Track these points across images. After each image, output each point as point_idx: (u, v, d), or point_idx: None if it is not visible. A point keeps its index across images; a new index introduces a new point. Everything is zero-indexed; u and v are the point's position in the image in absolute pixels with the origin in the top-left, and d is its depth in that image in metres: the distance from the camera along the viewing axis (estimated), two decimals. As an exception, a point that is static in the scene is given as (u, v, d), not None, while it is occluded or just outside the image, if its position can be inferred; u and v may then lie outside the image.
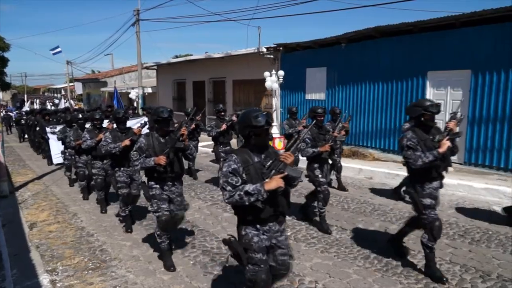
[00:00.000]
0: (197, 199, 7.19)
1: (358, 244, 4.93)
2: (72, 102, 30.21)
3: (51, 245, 5.15)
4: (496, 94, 8.13)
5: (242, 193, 2.64)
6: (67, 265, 4.53)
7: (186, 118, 8.43)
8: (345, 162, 8.33)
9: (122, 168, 5.63)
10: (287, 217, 6.00)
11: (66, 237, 5.47)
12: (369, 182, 8.19)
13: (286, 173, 2.72)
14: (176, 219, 4.43)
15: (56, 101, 39.16)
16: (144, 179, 4.62)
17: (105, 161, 6.46)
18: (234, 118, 7.85)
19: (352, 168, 8.89)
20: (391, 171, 8.55)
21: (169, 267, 4.30)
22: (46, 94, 60.99)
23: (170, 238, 4.45)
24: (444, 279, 3.86)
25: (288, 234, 5.32)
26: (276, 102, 12.99)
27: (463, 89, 8.74)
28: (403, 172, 8.52)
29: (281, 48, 13.14)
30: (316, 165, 5.42)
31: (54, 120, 12.11)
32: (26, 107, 27.28)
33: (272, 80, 12.15)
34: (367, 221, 5.79)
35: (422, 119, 3.90)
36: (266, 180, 2.69)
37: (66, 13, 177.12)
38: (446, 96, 9.06)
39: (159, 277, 4.18)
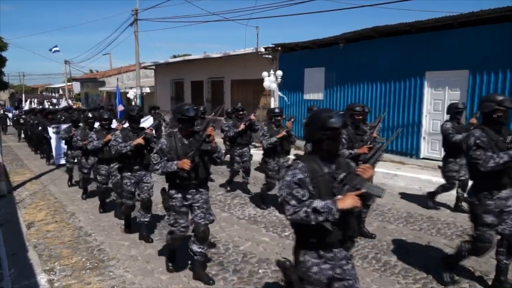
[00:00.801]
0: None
1: (356, 244, 4.93)
2: (70, 101, 30.15)
3: (49, 245, 5.14)
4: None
5: (309, 210, 2.18)
6: (65, 264, 4.52)
7: (206, 117, 8.06)
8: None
9: (130, 174, 5.17)
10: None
11: (64, 236, 5.46)
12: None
13: (363, 190, 2.25)
14: (200, 231, 3.93)
15: (54, 100, 39.08)
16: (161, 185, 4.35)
17: (111, 165, 6.11)
18: (252, 117, 7.54)
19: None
20: (389, 171, 8.58)
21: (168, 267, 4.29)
22: (44, 93, 60.89)
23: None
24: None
25: (287, 234, 5.34)
26: (274, 102, 12.98)
27: (461, 89, 8.76)
28: (402, 172, 8.59)
29: (279, 48, 13.14)
30: None
31: (54, 119, 11.92)
32: (26, 107, 27.20)
33: (271, 80, 12.15)
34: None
35: (495, 115, 3.41)
36: (339, 196, 2.25)
37: (64, 12, 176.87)
38: (444, 96, 9.08)
39: (157, 277, 4.18)
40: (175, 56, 30.44)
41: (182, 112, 3.82)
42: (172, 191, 3.93)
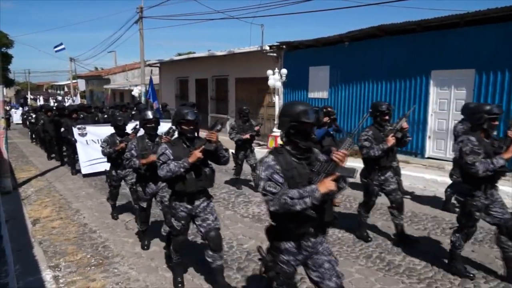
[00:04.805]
0: (200, 197, 7.19)
1: (360, 243, 4.92)
2: (75, 98, 30.26)
3: (54, 241, 5.17)
4: (500, 93, 8.09)
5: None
6: (70, 261, 4.55)
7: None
8: (347, 162, 8.29)
9: (294, 245, 2.52)
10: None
11: (69, 233, 5.49)
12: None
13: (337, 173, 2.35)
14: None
15: (59, 97, 39.27)
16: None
17: (197, 202, 3.68)
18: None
19: (354, 167, 8.89)
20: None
21: None
22: (49, 91, 61.25)
23: None
24: None
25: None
26: (278, 100, 12.96)
27: (467, 88, 8.70)
28: (406, 172, 8.53)
29: (284, 47, 13.11)
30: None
31: (79, 118, 10.30)
32: (41, 101, 27.26)
33: (275, 79, 12.13)
34: (369, 220, 5.78)
35: None
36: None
37: (69, 10, 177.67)
38: (450, 95, 9.03)
39: (161, 274, 4.19)
40: (179, 54, 30.47)
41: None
42: None
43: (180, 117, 3.58)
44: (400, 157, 9.87)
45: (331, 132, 6.46)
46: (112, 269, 4.33)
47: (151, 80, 14.98)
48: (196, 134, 3.72)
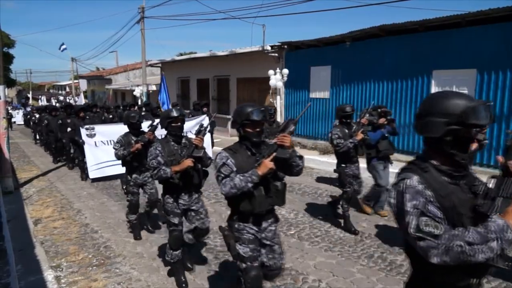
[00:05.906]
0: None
1: (362, 243, 4.92)
2: (76, 98, 30.32)
3: (56, 241, 5.18)
4: (502, 93, 8.07)
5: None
6: (72, 261, 4.56)
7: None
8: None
9: None
10: (291, 215, 6.03)
11: (71, 233, 5.50)
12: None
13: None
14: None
15: (61, 97, 39.35)
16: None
17: (264, 224, 2.99)
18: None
19: (356, 167, 8.87)
20: (395, 170, 8.51)
21: None
22: (51, 91, 61.43)
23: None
24: None
25: (292, 232, 5.34)
26: (280, 100, 12.97)
27: (468, 88, 8.68)
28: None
29: (285, 47, 13.11)
30: None
31: (87, 118, 9.76)
32: (43, 101, 27.35)
33: (277, 79, 12.13)
34: (371, 220, 5.78)
35: None
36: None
37: (71, 10, 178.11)
38: (452, 96, 9.01)
39: (163, 274, 4.19)
40: (181, 54, 30.53)
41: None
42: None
43: (243, 117, 2.79)
44: (401, 157, 9.86)
45: (386, 135, 5.76)
46: (114, 269, 4.33)
47: (163, 79, 14.28)
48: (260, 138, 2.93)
